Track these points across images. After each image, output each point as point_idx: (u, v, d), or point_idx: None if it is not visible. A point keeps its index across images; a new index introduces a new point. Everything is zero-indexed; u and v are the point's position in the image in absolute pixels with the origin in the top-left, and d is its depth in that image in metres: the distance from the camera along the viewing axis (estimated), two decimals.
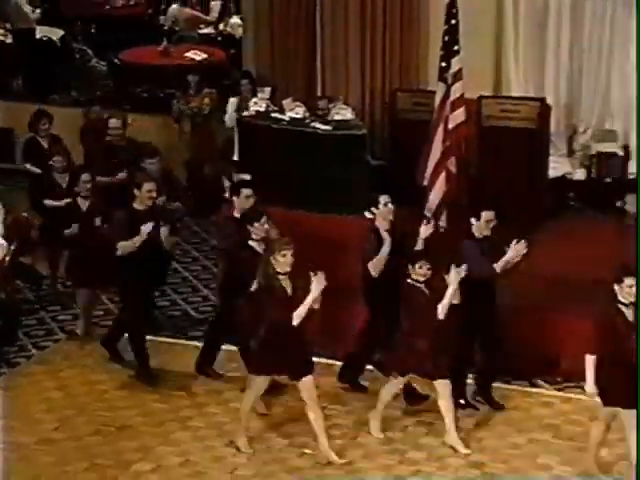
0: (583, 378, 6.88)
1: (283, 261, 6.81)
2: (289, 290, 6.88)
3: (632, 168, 10.46)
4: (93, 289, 8.43)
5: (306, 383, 6.84)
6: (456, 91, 8.78)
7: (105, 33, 14.30)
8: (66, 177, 8.78)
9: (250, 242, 7.28)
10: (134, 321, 7.79)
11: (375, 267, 7.41)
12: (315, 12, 10.83)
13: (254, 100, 10.08)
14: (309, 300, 6.72)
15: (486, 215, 7.42)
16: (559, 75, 11.03)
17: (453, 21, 8.66)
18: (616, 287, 6.59)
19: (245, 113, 10.15)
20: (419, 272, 7.17)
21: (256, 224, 7.36)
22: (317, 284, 6.71)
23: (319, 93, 10.89)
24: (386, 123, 10.66)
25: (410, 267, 7.22)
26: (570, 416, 7.66)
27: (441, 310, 7.05)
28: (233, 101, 10.51)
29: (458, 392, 7.45)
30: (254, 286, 7.04)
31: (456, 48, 8.67)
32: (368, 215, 7.83)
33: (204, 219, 10.38)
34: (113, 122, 9.65)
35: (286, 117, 9.96)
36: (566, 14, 11.03)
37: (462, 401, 7.59)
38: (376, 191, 8.35)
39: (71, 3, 14.91)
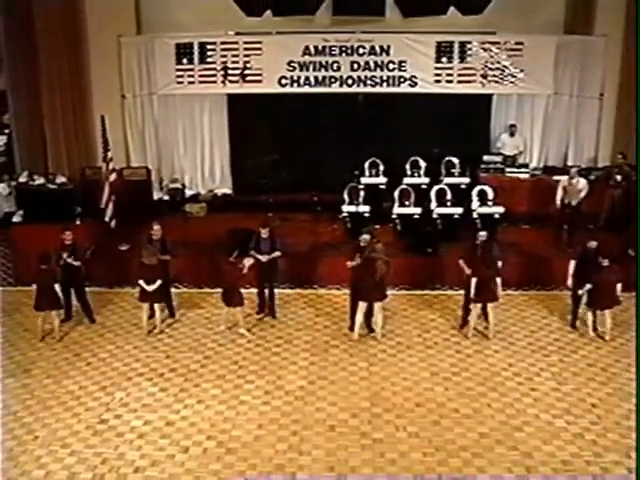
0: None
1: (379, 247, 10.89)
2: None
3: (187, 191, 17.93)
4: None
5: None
6: (110, 165, 14.84)
7: None
8: None
9: None
10: None
11: None
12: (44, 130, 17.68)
13: (22, 176, 17.71)
14: None
15: None
16: (154, 157, 18.88)
17: (105, 136, 14.66)
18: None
19: (19, 181, 17.71)
20: (605, 261, 10.76)
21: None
22: None
23: (50, 169, 17.58)
24: (81, 182, 17.15)
25: (600, 259, 10.58)
26: None
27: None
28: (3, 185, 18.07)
29: None
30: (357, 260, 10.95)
31: (109, 148, 14.77)
32: (78, 223, 16.32)
33: None
34: None
35: (36, 183, 17.39)
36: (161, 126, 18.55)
37: None
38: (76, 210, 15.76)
39: None
